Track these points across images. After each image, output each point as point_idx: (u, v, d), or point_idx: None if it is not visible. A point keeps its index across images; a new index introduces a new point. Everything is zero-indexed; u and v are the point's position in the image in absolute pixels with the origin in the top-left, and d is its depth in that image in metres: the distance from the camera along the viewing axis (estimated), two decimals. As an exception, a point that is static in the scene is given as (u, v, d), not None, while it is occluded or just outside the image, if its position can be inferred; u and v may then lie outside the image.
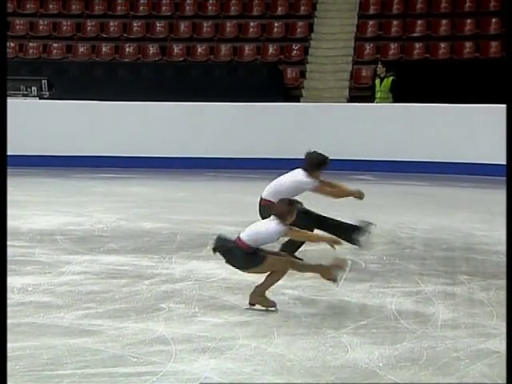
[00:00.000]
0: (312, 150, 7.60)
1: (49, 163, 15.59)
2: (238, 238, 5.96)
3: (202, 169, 15.45)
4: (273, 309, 5.93)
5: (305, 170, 7.48)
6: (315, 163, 7.47)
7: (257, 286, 6.01)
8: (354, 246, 7.49)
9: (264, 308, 5.95)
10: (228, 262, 6.03)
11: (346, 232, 7.43)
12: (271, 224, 5.95)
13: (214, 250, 6.05)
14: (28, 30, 20.60)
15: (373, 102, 16.76)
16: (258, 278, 6.48)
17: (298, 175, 7.43)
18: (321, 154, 7.54)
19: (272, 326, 5.52)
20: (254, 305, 5.97)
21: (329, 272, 6.02)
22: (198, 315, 5.77)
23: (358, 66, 19.19)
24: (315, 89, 18.85)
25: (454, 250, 8.36)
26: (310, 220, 7.33)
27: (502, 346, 5.08)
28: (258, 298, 5.98)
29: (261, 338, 5.26)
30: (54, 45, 20.27)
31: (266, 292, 5.99)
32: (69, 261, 7.47)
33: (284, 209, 5.99)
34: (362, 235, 7.46)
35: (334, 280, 6.08)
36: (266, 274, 6.02)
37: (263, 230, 5.94)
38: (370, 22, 20.04)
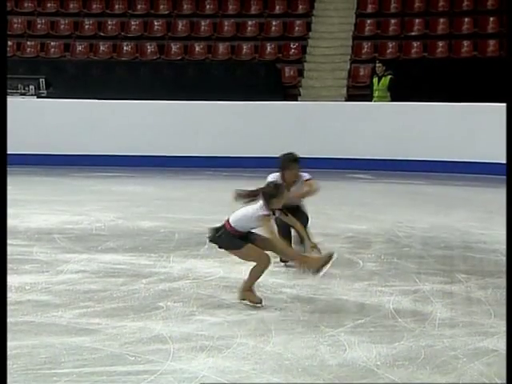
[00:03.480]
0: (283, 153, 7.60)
1: (46, 162, 15.59)
2: (227, 220, 6.04)
3: (200, 167, 15.45)
4: (259, 305, 5.92)
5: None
6: (285, 161, 7.45)
7: (244, 281, 6.05)
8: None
9: (251, 304, 5.95)
10: (217, 243, 6.12)
11: None
12: (253, 208, 5.99)
13: (210, 240, 6.14)
14: (26, 28, 20.60)
15: (371, 100, 16.77)
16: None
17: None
18: (288, 154, 7.53)
19: (270, 325, 5.51)
20: (244, 299, 6.00)
21: (314, 263, 6.00)
22: (195, 314, 5.77)
23: (355, 65, 19.20)
24: (313, 87, 18.86)
25: (451, 249, 8.36)
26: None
27: (500, 345, 5.08)
28: (245, 293, 6.01)
29: (259, 336, 5.26)
30: (52, 43, 20.27)
31: (255, 287, 6.04)
32: (67, 259, 7.47)
33: (271, 190, 6.00)
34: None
35: (317, 271, 6.06)
36: (250, 269, 6.07)
37: (244, 213, 6.00)
38: (368, 21, 20.06)
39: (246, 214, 6.00)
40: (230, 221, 6.02)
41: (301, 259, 6.10)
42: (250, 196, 6.05)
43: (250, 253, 6.01)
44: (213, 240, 6.12)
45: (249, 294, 6.01)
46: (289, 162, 7.44)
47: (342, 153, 15.58)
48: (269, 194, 5.98)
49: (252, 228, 6.04)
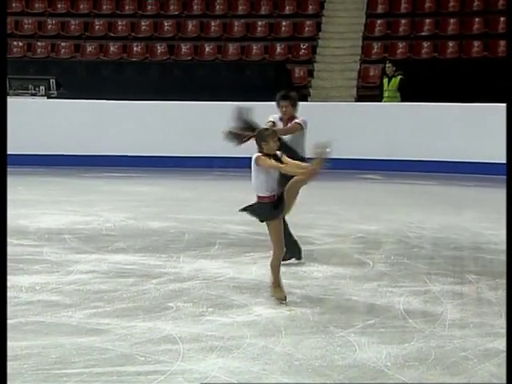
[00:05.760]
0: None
1: (57, 162, 15.62)
2: (257, 195, 6.09)
3: (210, 168, 15.45)
4: (283, 302, 6.00)
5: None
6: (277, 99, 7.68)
7: (271, 278, 6.18)
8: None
9: (276, 299, 6.00)
10: (259, 217, 6.15)
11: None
12: (254, 166, 6.05)
13: (244, 210, 6.19)
14: (36, 29, 20.64)
15: (381, 101, 16.75)
16: (266, 278, 6.49)
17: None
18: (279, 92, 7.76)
19: (280, 325, 5.51)
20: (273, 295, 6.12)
21: (319, 163, 5.97)
22: (205, 314, 5.77)
23: (365, 65, 19.17)
24: (323, 88, 18.84)
25: (462, 250, 8.34)
26: None
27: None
28: (273, 289, 6.11)
29: (268, 337, 5.26)
30: (62, 44, 20.31)
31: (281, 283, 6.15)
32: (77, 260, 7.48)
33: (258, 135, 6.09)
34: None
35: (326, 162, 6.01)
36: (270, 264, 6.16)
37: (255, 177, 6.04)
38: (378, 21, 20.03)
39: (256, 176, 6.03)
40: (257, 193, 6.07)
41: (312, 169, 6.05)
42: (241, 137, 6.18)
43: (274, 230, 6.06)
44: (245, 210, 6.18)
45: (276, 290, 6.11)
46: (278, 100, 7.68)
47: (352, 153, 15.54)
48: (258, 138, 6.07)
49: (269, 179, 6.03)
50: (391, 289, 6.59)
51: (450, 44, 19.19)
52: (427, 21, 19.78)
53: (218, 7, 20.78)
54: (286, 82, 18.42)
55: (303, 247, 7.59)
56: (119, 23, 20.71)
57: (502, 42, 18.75)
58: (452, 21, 19.62)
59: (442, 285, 6.74)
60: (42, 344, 5.02)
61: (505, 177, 13.76)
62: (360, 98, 18.31)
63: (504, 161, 14.38)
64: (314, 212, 10.07)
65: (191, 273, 7.03)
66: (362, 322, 5.63)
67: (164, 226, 9.30)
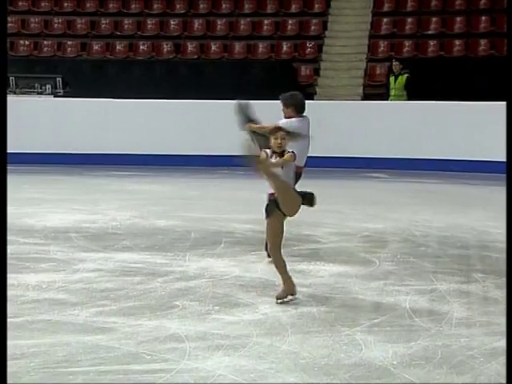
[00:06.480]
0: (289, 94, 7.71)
1: (63, 161, 15.64)
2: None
3: (216, 166, 15.46)
4: (288, 299, 6.00)
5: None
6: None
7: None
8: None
9: (281, 296, 6.02)
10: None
11: None
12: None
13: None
14: (43, 28, 20.66)
15: (387, 99, 16.74)
16: (272, 277, 6.49)
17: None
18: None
19: (286, 324, 5.51)
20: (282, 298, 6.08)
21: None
22: (211, 313, 5.77)
23: (372, 64, 19.15)
24: (329, 86, 18.82)
25: (468, 248, 8.33)
26: None
27: (517, 345, 5.06)
28: (286, 288, 6.06)
29: (275, 335, 5.26)
30: (69, 43, 20.33)
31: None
32: (83, 258, 7.49)
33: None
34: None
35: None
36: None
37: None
38: (385, 20, 20.00)
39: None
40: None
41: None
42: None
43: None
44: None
45: (288, 282, 6.06)
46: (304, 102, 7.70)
47: (358, 152, 15.55)
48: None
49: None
50: (397, 287, 6.58)
51: (457, 42, 19.17)
52: (433, 19, 19.75)
53: (224, 6, 20.78)
54: (292, 81, 18.43)
55: (309, 245, 7.59)
56: (125, 22, 20.72)
57: (509, 41, 18.73)
58: (458, 19, 19.59)
59: (448, 283, 6.73)
60: (48, 342, 5.03)
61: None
62: (366, 96, 18.30)
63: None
64: (319, 210, 10.02)
65: (197, 271, 7.03)
66: (368, 320, 5.63)
67: (170, 225, 9.31)
